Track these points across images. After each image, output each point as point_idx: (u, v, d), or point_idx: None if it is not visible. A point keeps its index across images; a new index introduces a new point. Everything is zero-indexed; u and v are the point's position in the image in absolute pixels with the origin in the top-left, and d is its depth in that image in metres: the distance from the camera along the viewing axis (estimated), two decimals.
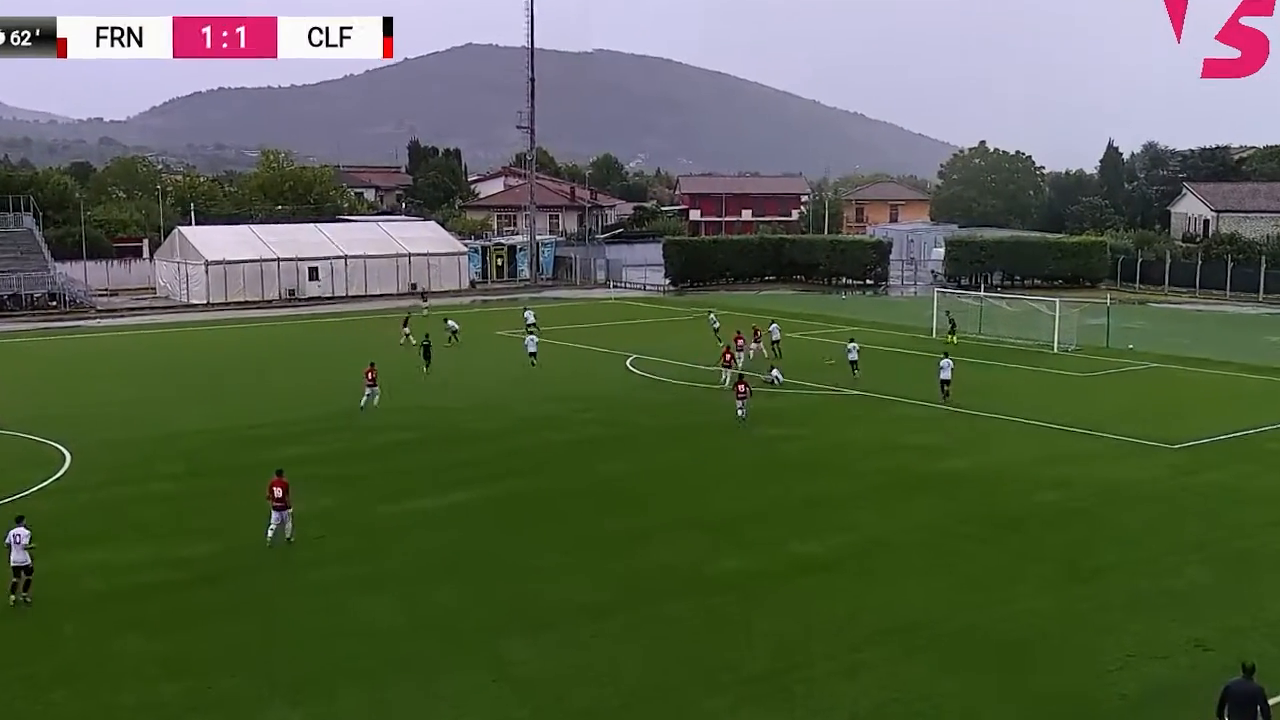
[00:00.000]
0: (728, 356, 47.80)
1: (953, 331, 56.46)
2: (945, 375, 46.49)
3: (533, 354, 53.06)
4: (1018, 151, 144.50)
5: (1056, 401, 45.07)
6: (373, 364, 44.24)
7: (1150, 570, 25.56)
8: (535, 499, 30.86)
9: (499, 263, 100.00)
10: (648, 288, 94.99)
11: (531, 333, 57.79)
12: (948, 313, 59.41)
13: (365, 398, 42.12)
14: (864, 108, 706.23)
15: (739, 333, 54.71)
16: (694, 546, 26.96)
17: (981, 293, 67.53)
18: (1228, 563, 26.09)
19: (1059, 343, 57.76)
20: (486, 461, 34.85)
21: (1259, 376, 50.87)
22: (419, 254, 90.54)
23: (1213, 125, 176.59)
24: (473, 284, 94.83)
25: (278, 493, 26.78)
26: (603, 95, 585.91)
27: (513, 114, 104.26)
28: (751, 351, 52.97)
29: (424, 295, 69.75)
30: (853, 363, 50.83)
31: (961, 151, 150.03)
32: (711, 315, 61.78)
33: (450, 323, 60.14)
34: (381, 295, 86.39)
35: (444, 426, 39.80)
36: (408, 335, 58.39)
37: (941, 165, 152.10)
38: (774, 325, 56.22)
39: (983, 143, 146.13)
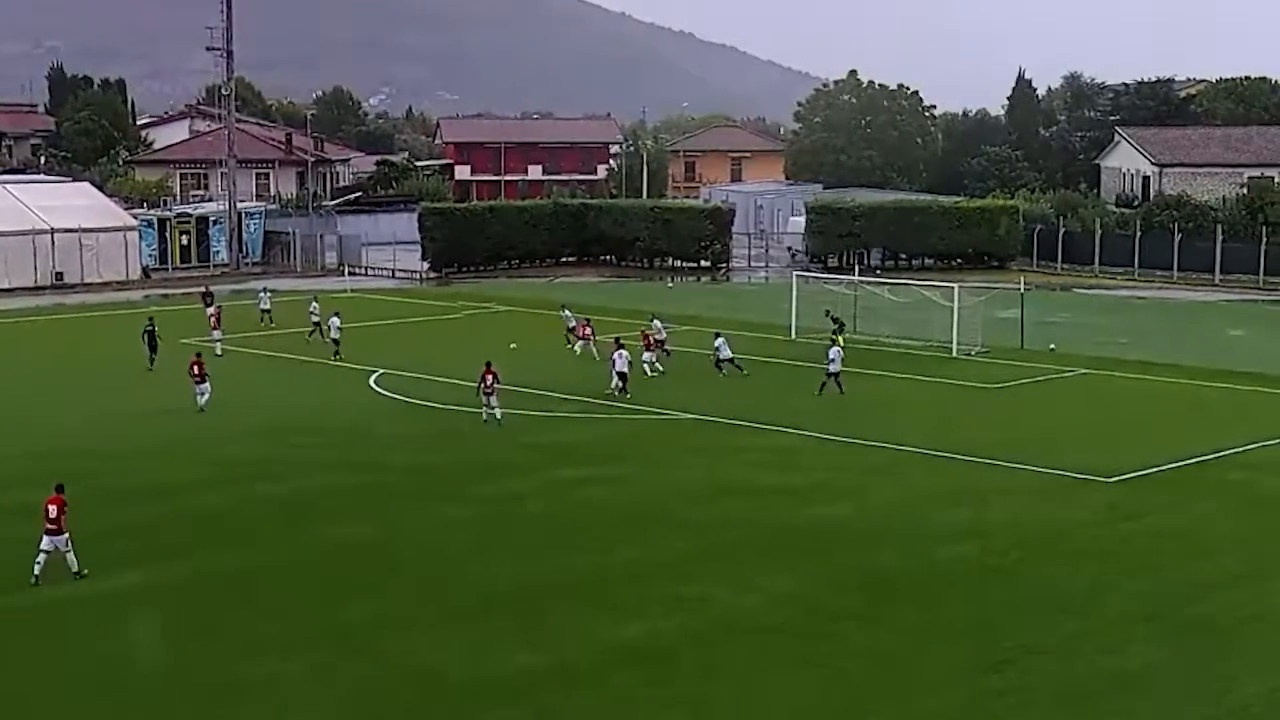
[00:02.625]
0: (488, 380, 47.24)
1: (839, 333, 57.67)
2: (835, 368, 47.82)
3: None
4: (900, 85, 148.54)
5: (959, 422, 46.17)
6: (198, 354, 48.71)
7: (1087, 647, 26.23)
8: (238, 581, 29.93)
9: (184, 241, 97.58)
10: (398, 275, 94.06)
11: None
12: (828, 311, 60.46)
13: (204, 397, 47.20)
14: (694, 26, 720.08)
15: (586, 320, 58.33)
16: (470, 638, 26.55)
17: (856, 277, 69.05)
18: (1184, 634, 27.00)
19: (960, 344, 59.46)
20: (166, 527, 33.81)
21: (1218, 384, 53.32)
22: (65, 229, 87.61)
23: (1153, 53, 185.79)
24: (146, 272, 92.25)
25: (52, 512, 29.57)
26: (331, 4, 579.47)
27: (200, 31, 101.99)
28: (579, 346, 57.77)
29: (207, 294, 68.01)
30: (726, 361, 53.30)
31: (826, 86, 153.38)
32: (565, 312, 61.72)
33: (333, 320, 60.20)
34: (9, 290, 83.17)
35: (105, 477, 38.47)
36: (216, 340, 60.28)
37: (799, 104, 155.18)
38: (655, 321, 57.56)
39: (853, 73, 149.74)
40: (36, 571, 29.47)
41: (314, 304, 64.68)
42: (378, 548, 32.42)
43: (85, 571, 29.83)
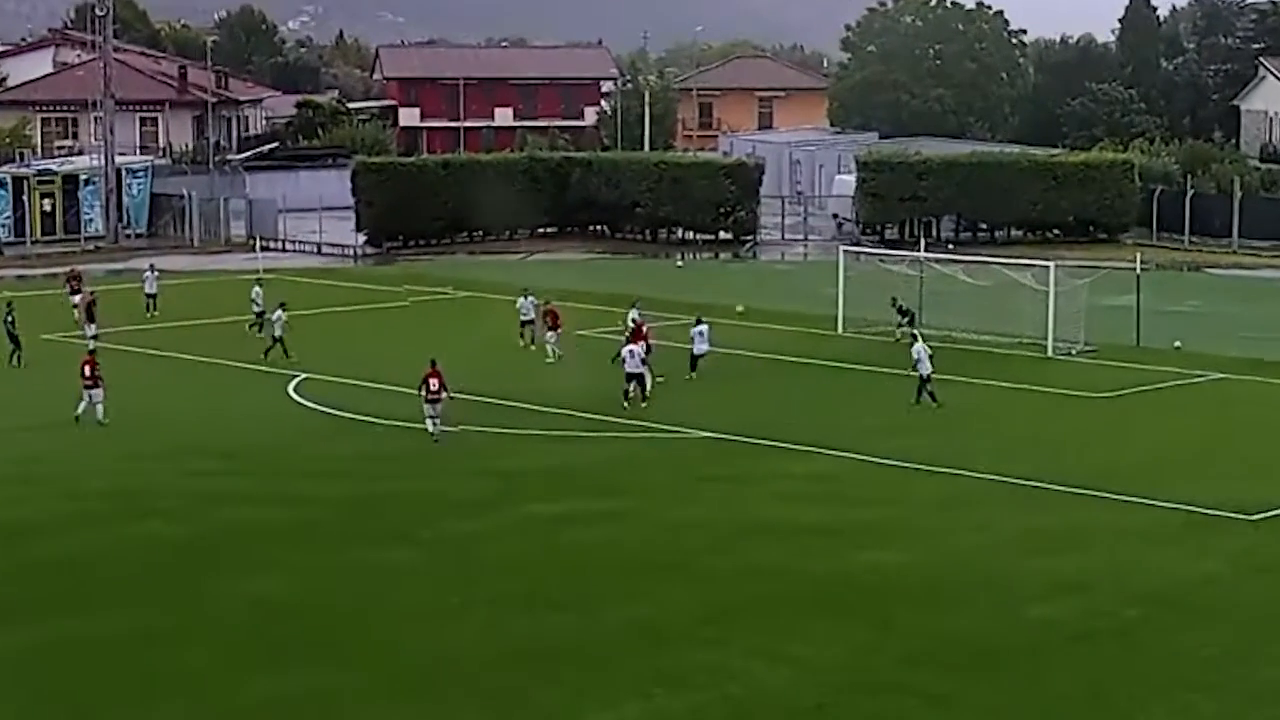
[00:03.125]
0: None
1: (910, 323, 57.89)
2: (925, 369, 48.58)
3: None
4: (980, 4, 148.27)
5: (1055, 443, 46.21)
6: (92, 352, 49.23)
7: None
8: (115, 651, 29.94)
9: (46, 207, 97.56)
10: (325, 250, 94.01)
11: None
12: (895, 300, 60.52)
13: (84, 404, 47.67)
14: None
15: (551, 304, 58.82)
16: (438, 717, 26.63)
17: (921, 253, 68.99)
18: None
19: (1057, 340, 59.53)
20: (17, 580, 33.81)
21: None
22: None
23: None
24: None
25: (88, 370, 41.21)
26: None
27: None
28: (549, 342, 58.05)
29: (74, 279, 67.93)
30: (697, 358, 53.83)
31: (883, 4, 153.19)
32: (526, 299, 61.77)
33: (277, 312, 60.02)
34: None
35: None
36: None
37: (848, 28, 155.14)
38: (634, 310, 57.58)
39: None
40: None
41: (256, 288, 64.79)
42: (301, 605, 32.32)
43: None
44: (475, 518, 38.38)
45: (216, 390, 53.87)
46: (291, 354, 57.29)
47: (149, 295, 68.94)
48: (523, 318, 60.77)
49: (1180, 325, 64.11)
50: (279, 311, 59.03)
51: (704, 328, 54.56)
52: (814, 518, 38.38)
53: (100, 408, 47.56)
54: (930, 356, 49.62)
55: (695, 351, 54.01)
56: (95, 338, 59.48)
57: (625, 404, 49.50)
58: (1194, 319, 67.80)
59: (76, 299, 63.18)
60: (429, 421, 45.13)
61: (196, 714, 26.99)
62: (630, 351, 50.35)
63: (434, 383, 44.98)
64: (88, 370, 48.07)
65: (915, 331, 54.82)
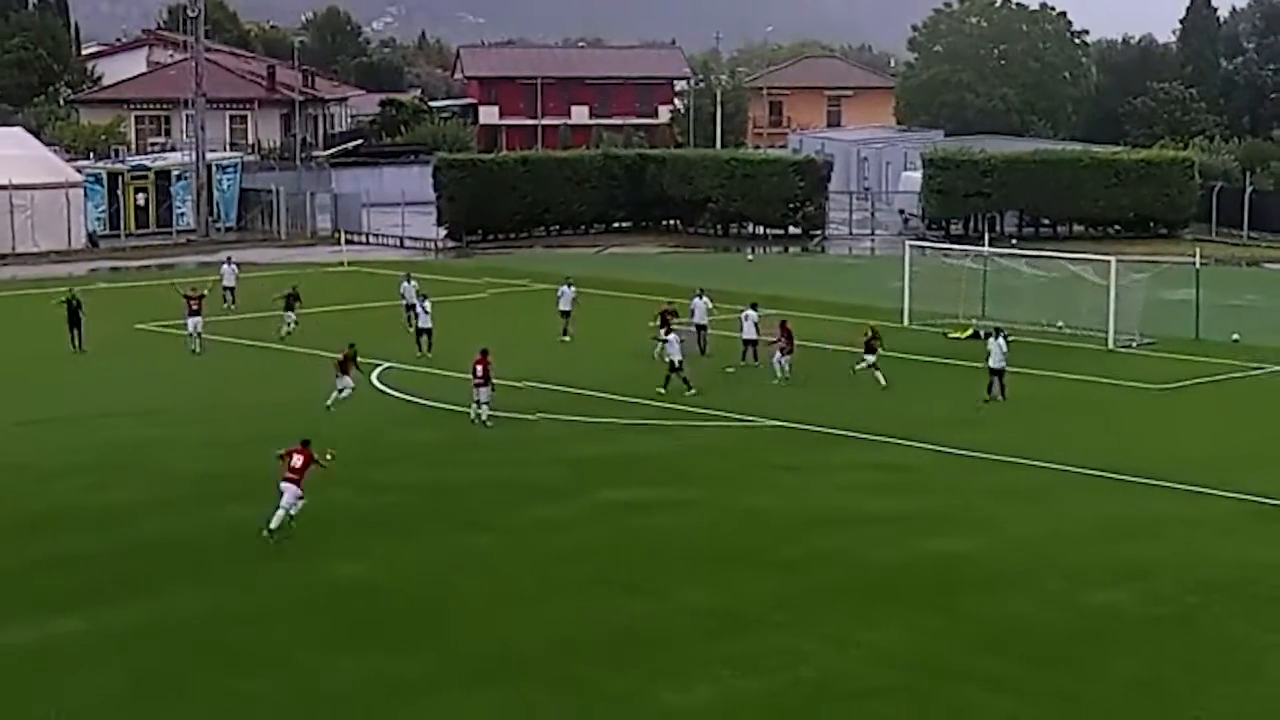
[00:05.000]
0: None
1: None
2: (997, 363, 48.37)
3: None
4: (1044, 5, 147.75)
5: (1116, 433, 45.96)
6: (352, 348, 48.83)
7: None
8: (202, 630, 30.04)
9: (140, 201, 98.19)
10: (408, 244, 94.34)
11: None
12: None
13: (336, 394, 47.96)
14: None
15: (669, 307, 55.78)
16: (491, 706, 26.51)
17: (985, 248, 68.72)
18: None
19: (1118, 333, 59.17)
20: (110, 561, 33.94)
21: None
22: None
23: None
24: (92, 239, 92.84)
25: (296, 462, 35.08)
26: None
27: None
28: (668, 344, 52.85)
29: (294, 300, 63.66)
30: (749, 343, 53.71)
31: (948, 6, 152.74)
32: (566, 287, 61.65)
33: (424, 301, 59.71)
34: None
35: (26, 497, 38.76)
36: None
37: (915, 29, 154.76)
38: (702, 298, 57.86)
39: None
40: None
41: (406, 284, 64.03)
42: (379, 588, 32.42)
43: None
44: (549, 505, 38.37)
45: (302, 379, 53.94)
46: (425, 350, 56.96)
47: (227, 288, 68.87)
48: (561, 308, 60.44)
49: (1238, 319, 63.72)
50: (425, 301, 58.65)
51: (753, 314, 54.59)
52: (881, 506, 38.23)
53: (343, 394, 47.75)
54: (1005, 353, 49.12)
55: (747, 336, 54.04)
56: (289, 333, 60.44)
57: (690, 391, 49.53)
58: (1252, 313, 67.33)
59: (291, 315, 61.46)
60: (474, 406, 45.42)
61: (281, 692, 27.08)
62: (676, 340, 50.41)
63: (479, 369, 45.42)
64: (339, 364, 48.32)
65: (997, 326, 54.16)
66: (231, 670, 28.02)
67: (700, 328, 56.64)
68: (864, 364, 51.01)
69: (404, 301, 62.71)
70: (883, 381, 50.25)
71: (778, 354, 51.97)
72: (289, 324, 60.51)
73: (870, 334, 51.64)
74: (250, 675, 27.76)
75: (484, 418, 45.58)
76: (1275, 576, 33.27)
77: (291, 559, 34.18)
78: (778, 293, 68.87)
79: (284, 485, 35.19)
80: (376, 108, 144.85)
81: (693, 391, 49.45)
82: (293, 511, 34.88)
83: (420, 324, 57.80)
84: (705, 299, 57.22)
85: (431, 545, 35.33)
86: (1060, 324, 60.63)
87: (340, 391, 47.81)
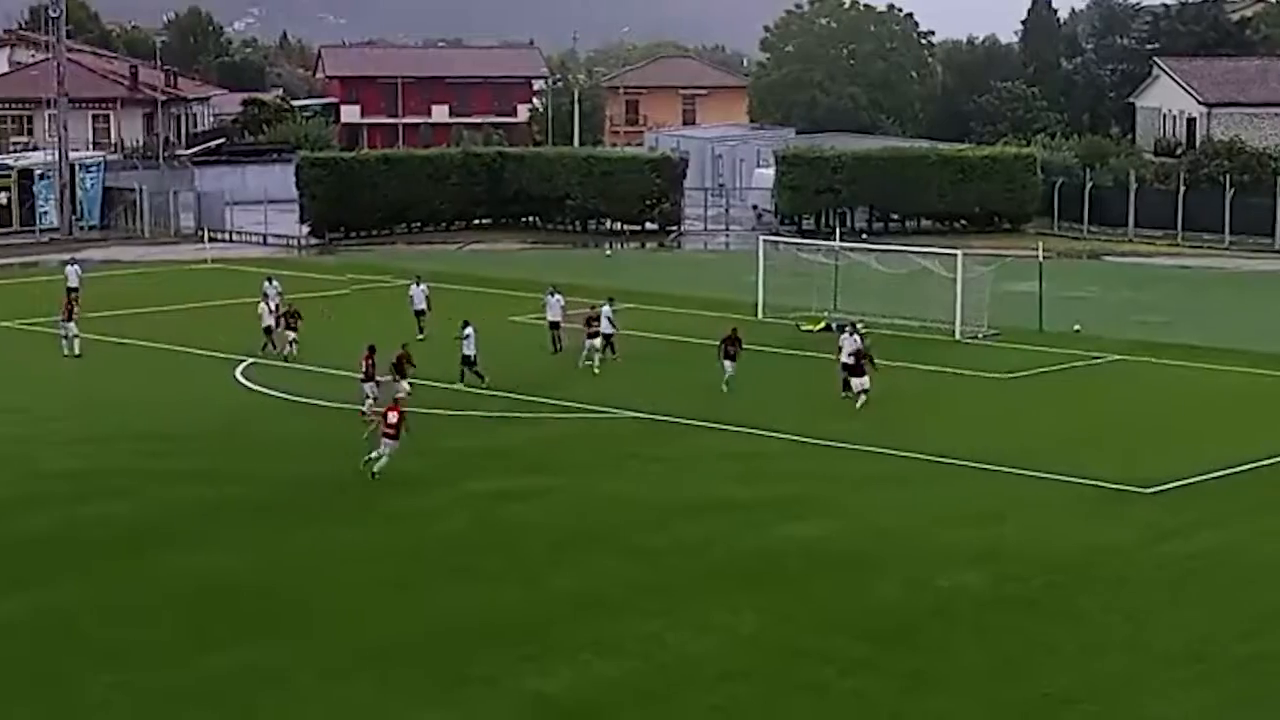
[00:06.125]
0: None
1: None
2: (849, 358, 48.07)
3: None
4: (891, 6, 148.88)
5: (964, 421, 46.45)
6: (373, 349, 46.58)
7: (1126, 694, 26.49)
8: (80, 621, 29.76)
9: (3, 200, 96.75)
10: (270, 241, 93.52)
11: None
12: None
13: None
14: None
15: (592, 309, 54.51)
16: (366, 693, 26.46)
17: (836, 243, 69.10)
18: (1240, 676, 27.31)
19: (964, 325, 59.73)
20: None
21: (1278, 373, 53.79)
22: None
23: None
24: None
25: (391, 419, 39.15)
26: None
27: None
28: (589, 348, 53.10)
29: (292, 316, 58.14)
30: (607, 338, 52.95)
31: (799, 7, 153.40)
32: (417, 286, 60.72)
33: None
34: None
35: None
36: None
37: (767, 29, 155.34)
38: (555, 295, 57.11)
39: None
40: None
41: (268, 284, 60.74)
42: (249, 581, 32.21)
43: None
44: (416, 496, 38.30)
45: (166, 375, 53.51)
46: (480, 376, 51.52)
47: (70, 289, 65.19)
48: (416, 308, 59.72)
49: (1080, 310, 64.39)
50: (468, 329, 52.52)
51: (608, 309, 54.13)
52: (739, 494, 38.44)
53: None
54: (857, 349, 48.48)
55: (605, 331, 53.74)
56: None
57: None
58: (1092, 304, 68.14)
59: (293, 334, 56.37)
60: (366, 402, 45.24)
61: (153, 686, 26.85)
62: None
63: (367, 365, 45.49)
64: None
65: (854, 322, 53.94)
66: (102, 663, 27.76)
67: (554, 324, 56.38)
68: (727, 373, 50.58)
69: (267, 303, 61.51)
70: (725, 385, 49.69)
71: (724, 361, 50.01)
72: (290, 343, 55.31)
73: (732, 333, 50.60)
74: (122, 668, 27.53)
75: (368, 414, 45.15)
76: (1116, 557, 33.84)
77: (163, 553, 33.90)
78: (636, 287, 69.03)
79: (384, 442, 39.49)
80: (239, 107, 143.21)
81: (485, 382, 49.45)
82: (387, 455, 39.27)
83: (265, 322, 56.98)
84: (558, 296, 56.85)
85: (300, 537, 35.15)
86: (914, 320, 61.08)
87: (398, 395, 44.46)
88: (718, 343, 50.10)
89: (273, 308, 57.12)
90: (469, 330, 50.46)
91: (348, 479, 39.84)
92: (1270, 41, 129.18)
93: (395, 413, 39.58)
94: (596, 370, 52.08)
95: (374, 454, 39.30)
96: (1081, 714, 25.77)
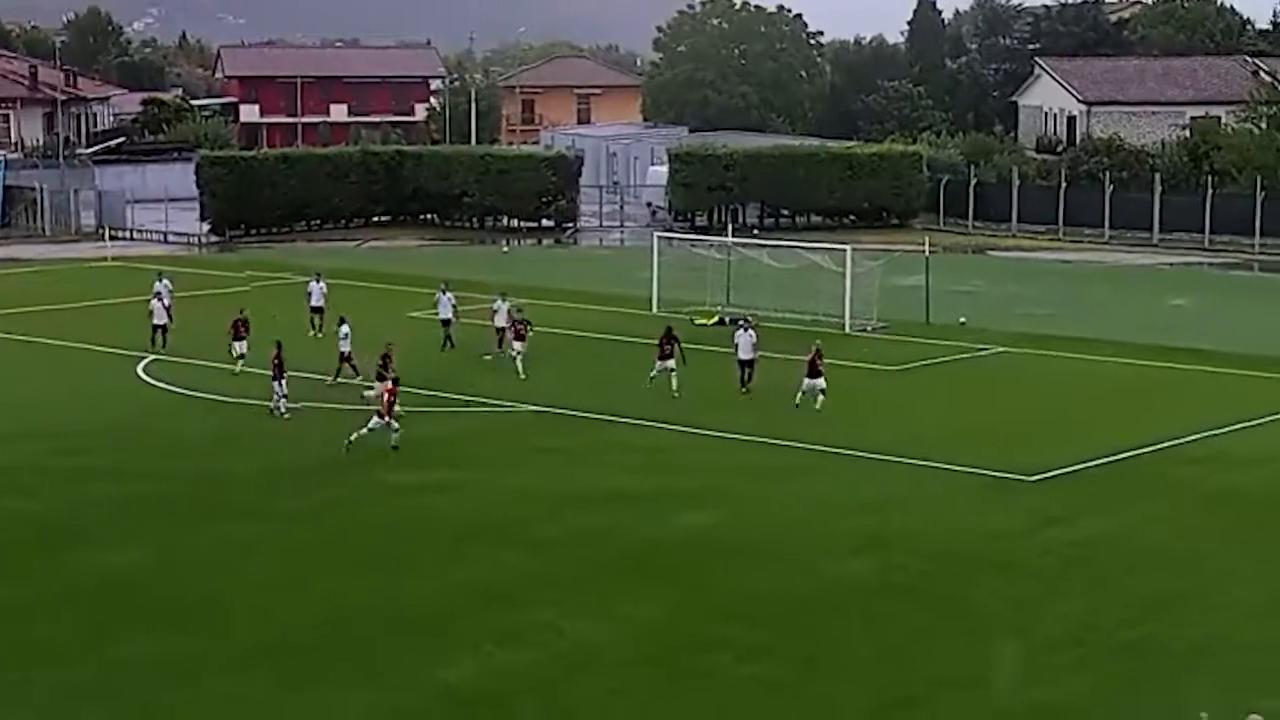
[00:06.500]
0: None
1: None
2: (746, 354, 48.17)
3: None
4: (781, 8, 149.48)
5: (854, 413, 46.74)
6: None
7: (1008, 679, 26.78)
8: None
9: None
10: (171, 239, 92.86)
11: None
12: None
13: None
14: None
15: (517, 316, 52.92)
16: (270, 682, 26.41)
17: (729, 239, 69.42)
18: (1120, 661, 27.68)
19: (854, 318, 60.18)
20: None
21: (1158, 364, 54.64)
22: None
23: None
24: None
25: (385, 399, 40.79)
26: None
27: None
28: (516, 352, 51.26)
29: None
30: (500, 330, 52.92)
31: (691, 8, 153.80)
32: (316, 283, 60.08)
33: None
34: None
35: None
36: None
37: (660, 29, 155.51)
38: (446, 293, 56.67)
39: None
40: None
41: (159, 282, 59.10)
42: (153, 576, 32.05)
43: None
44: (319, 490, 38.18)
45: (72, 372, 53.06)
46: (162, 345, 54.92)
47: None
48: (313, 304, 59.28)
49: (965, 303, 65.03)
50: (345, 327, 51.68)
51: (503, 304, 54.07)
52: (637, 485, 38.59)
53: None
54: (754, 344, 48.88)
55: (497, 325, 53.69)
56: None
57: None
58: (977, 297, 68.79)
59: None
60: (273, 399, 45.05)
61: (54, 681, 26.63)
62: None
63: (274, 362, 45.14)
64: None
65: (747, 317, 53.83)
66: (3, 659, 27.51)
67: (446, 322, 56.09)
68: (514, 351, 50.44)
69: (160, 301, 60.64)
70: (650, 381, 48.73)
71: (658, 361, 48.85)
72: (239, 354, 51.24)
73: (666, 333, 48.99)
74: (21, 665, 27.30)
75: (282, 410, 45.05)
76: (1001, 544, 34.26)
77: (71, 550, 33.64)
78: (533, 283, 69.04)
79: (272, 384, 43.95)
80: (139, 106, 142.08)
81: (330, 382, 48.85)
82: (371, 427, 41.20)
83: (156, 320, 56.37)
84: (449, 294, 56.49)
85: (205, 532, 34.94)
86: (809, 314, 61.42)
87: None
88: (655, 342, 49.15)
89: (165, 305, 56.78)
90: (345, 328, 50.09)
91: (251, 473, 39.74)
92: (1147, 42, 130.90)
93: (390, 394, 41.24)
94: (522, 375, 50.40)
95: (364, 429, 41.03)
96: (966, 698, 26.04)
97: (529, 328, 51.86)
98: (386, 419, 40.97)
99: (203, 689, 26.30)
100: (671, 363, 48.22)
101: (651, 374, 48.48)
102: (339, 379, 49.14)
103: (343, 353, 49.76)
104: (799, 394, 45.95)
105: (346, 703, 25.74)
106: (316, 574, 32.07)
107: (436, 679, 26.65)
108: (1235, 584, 31.64)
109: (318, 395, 47.34)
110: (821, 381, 45.80)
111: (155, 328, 55.87)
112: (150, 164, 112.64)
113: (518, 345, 51.15)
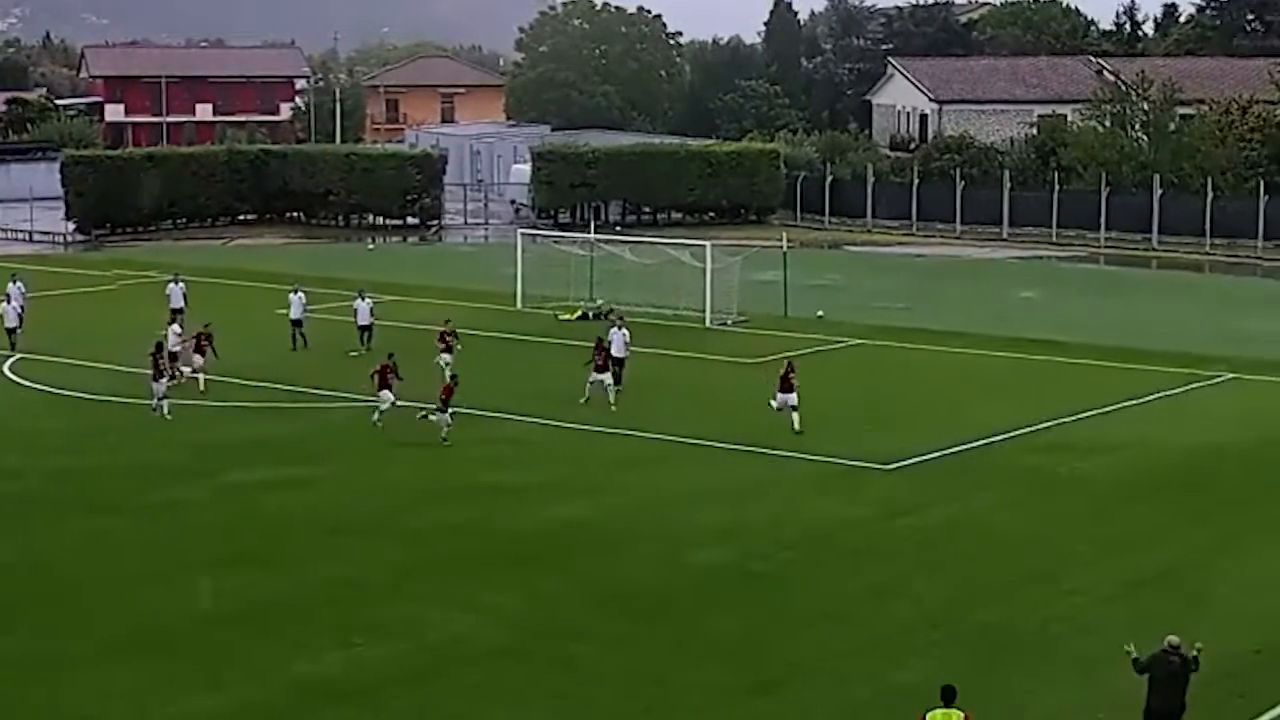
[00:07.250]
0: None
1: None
2: (619, 351, 47.40)
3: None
4: (640, 8, 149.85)
5: (714, 405, 46.92)
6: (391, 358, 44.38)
7: (866, 662, 26.96)
8: None
9: None
10: (36, 238, 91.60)
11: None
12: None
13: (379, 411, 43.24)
14: None
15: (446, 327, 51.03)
16: (132, 678, 25.98)
17: (591, 236, 69.39)
18: (974, 643, 27.90)
19: (714, 312, 60.38)
20: None
21: (1008, 354, 55.28)
22: None
23: None
24: None
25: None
26: None
27: None
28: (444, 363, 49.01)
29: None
30: (364, 329, 53.00)
31: (553, 8, 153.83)
32: (175, 283, 59.10)
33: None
34: None
35: None
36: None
37: (522, 30, 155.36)
38: (298, 293, 55.79)
39: None
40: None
41: (12, 284, 58.14)
42: (17, 573, 31.56)
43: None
44: (180, 486, 37.67)
45: None
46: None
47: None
48: (173, 305, 57.77)
49: (822, 297, 65.36)
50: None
51: (362, 303, 53.93)
52: (502, 478, 38.45)
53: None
54: (626, 343, 48.23)
55: (360, 323, 53.51)
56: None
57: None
58: (834, 292, 69.20)
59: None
60: (153, 399, 44.42)
61: None
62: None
63: (154, 363, 44.56)
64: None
65: (620, 316, 53.18)
66: None
67: (296, 322, 54.94)
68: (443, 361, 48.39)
69: (10, 304, 59.14)
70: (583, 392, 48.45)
71: (593, 373, 46.87)
72: (196, 368, 48.23)
73: (597, 343, 47.51)
74: None
75: (165, 410, 44.32)
76: (854, 530, 34.48)
77: None
78: (398, 280, 68.73)
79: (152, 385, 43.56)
80: (2, 106, 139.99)
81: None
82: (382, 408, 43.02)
83: (8, 323, 55.12)
84: (301, 294, 55.54)
85: (64, 528, 34.45)
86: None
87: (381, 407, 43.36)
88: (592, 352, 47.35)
89: (17, 308, 55.74)
90: (177, 328, 49.85)
91: (113, 471, 39.23)
92: (996, 42, 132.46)
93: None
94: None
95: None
96: (824, 681, 26.14)
97: (456, 339, 50.01)
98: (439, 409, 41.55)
99: (63, 684, 25.88)
100: (607, 376, 46.25)
101: (587, 387, 46.39)
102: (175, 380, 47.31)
103: (171, 352, 47.74)
104: (770, 403, 43.95)
105: (208, 696, 25.38)
106: (176, 570, 31.60)
107: (300, 673, 26.38)
108: (1084, 568, 31.95)
109: (179, 392, 46.70)
110: (793, 397, 43.43)
111: (8, 330, 54.79)
112: (14, 163, 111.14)
113: (446, 357, 48.87)
